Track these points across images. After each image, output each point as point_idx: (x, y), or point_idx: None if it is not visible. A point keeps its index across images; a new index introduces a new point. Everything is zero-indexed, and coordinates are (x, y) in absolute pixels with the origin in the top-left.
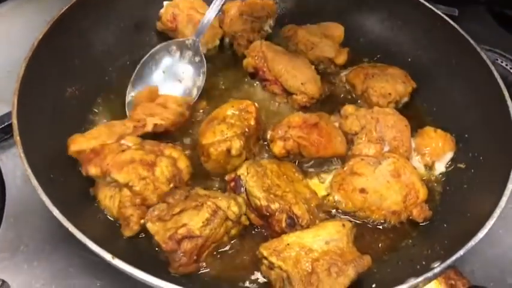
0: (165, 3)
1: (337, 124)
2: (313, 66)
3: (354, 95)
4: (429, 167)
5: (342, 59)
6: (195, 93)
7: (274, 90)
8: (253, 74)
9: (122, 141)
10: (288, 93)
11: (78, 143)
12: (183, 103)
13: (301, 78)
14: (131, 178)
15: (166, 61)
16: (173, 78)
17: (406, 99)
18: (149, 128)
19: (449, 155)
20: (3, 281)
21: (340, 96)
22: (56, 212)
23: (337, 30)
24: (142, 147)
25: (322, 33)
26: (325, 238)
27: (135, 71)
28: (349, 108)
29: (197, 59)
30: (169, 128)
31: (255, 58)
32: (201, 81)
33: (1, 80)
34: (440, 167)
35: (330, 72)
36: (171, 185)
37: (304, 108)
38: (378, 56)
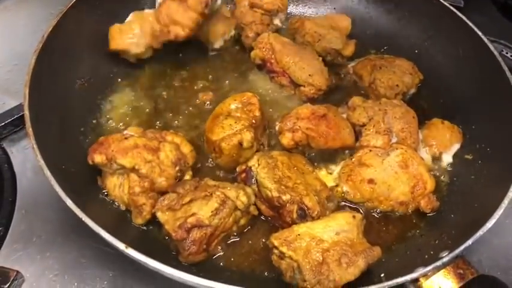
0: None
1: (344, 115)
2: (320, 58)
3: (361, 87)
4: (436, 159)
5: (349, 50)
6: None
7: (282, 82)
8: (260, 65)
9: (125, 132)
10: (295, 84)
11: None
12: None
13: (308, 70)
14: (136, 162)
15: None
16: None
17: (413, 90)
18: (172, 36)
19: (457, 146)
20: (18, 272)
21: (347, 87)
22: (69, 202)
23: (345, 21)
24: (145, 135)
25: (330, 24)
26: (336, 229)
27: None
28: (356, 100)
29: None
30: (189, 36)
31: (262, 50)
32: None
33: (8, 73)
34: (447, 158)
35: (337, 63)
36: (177, 168)
37: (311, 100)
38: (385, 47)
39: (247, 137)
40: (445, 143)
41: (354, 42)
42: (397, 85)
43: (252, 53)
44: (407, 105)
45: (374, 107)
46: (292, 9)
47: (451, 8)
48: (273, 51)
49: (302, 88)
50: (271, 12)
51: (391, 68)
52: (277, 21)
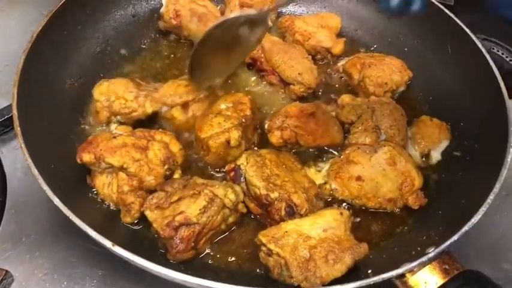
0: (163, 0)
1: (333, 113)
2: (310, 57)
3: (350, 85)
4: (425, 156)
5: (338, 48)
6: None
7: (272, 80)
8: (250, 64)
9: (114, 131)
10: (285, 83)
11: None
12: None
13: (298, 69)
14: (125, 160)
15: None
16: None
17: (402, 88)
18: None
19: (445, 143)
20: (7, 271)
21: (336, 86)
22: (57, 201)
23: (334, 20)
24: (134, 134)
25: (319, 23)
26: (323, 226)
27: None
28: (346, 98)
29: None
30: None
31: None
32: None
33: None
34: (436, 155)
35: (326, 62)
36: (166, 167)
37: (301, 98)
38: (375, 46)
39: (235, 135)
40: (433, 140)
41: (344, 41)
42: (386, 83)
43: None
44: (397, 102)
45: (362, 105)
46: (283, 9)
47: (440, 6)
48: (262, 50)
49: (292, 87)
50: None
51: (380, 66)
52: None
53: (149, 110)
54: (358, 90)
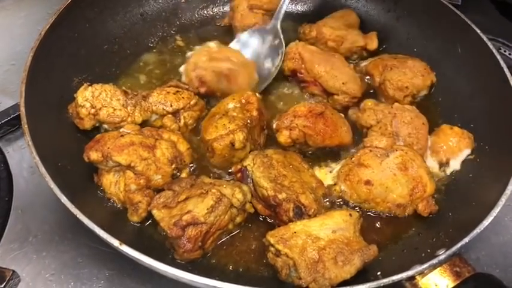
0: (181, 69)
1: (354, 116)
2: (351, 65)
3: (372, 86)
4: (443, 165)
5: (374, 44)
6: (274, 71)
7: (314, 91)
8: (289, 76)
9: (121, 129)
10: (328, 93)
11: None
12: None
13: (341, 78)
14: (132, 159)
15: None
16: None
17: (424, 92)
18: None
19: (466, 152)
20: (14, 271)
21: None
22: (64, 199)
23: (352, 16)
24: (141, 133)
25: (344, 24)
26: (332, 227)
27: None
28: (368, 103)
29: (276, 41)
30: None
31: (292, 60)
32: (279, 60)
33: (6, 73)
34: (455, 165)
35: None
36: (173, 166)
37: (346, 108)
38: (384, 45)
39: (240, 137)
40: (452, 149)
41: (375, 34)
42: (406, 87)
43: (283, 65)
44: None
45: (384, 110)
46: (289, 8)
47: (450, 6)
48: (302, 61)
49: (335, 97)
50: (271, 11)
51: (402, 68)
52: None
53: (139, 119)
54: (379, 92)
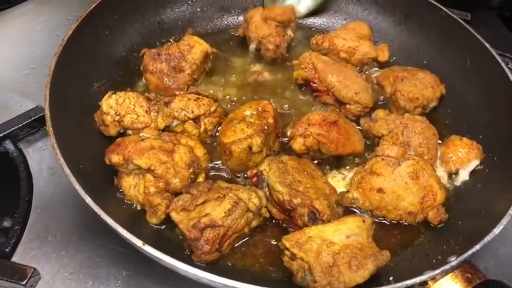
0: None
1: (366, 126)
2: (364, 76)
3: (383, 97)
4: (453, 175)
5: (385, 55)
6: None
7: (327, 100)
8: (302, 85)
9: (141, 134)
10: (340, 103)
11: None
12: None
13: (354, 88)
14: (152, 162)
15: None
16: None
17: (434, 104)
18: None
19: (475, 163)
20: (35, 269)
21: None
22: (89, 200)
23: (364, 28)
24: (161, 137)
25: (356, 35)
26: (346, 232)
27: None
28: (380, 113)
29: None
30: None
31: (305, 70)
32: None
33: (26, 76)
34: (464, 175)
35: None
36: (191, 170)
37: (358, 118)
38: (394, 58)
39: (257, 141)
40: (462, 159)
41: (387, 46)
42: (417, 98)
43: (295, 73)
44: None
45: (396, 120)
46: (302, 20)
47: (459, 20)
48: (315, 70)
49: (348, 106)
50: (284, 23)
51: (412, 80)
52: (289, 32)
53: (162, 125)
54: (390, 103)
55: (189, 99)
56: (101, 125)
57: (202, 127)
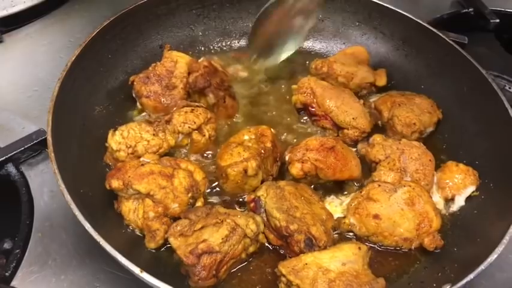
0: None
1: (363, 151)
2: (361, 101)
3: (380, 121)
4: (449, 201)
5: (382, 80)
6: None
7: (325, 125)
8: (301, 109)
9: (141, 159)
10: (338, 127)
11: None
12: None
13: (352, 113)
14: (152, 187)
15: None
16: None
17: (431, 129)
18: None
19: (471, 189)
20: None
21: None
22: (88, 226)
23: (363, 52)
24: (160, 162)
25: (354, 60)
26: (342, 259)
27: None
28: (377, 138)
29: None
30: None
31: (304, 94)
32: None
33: (29, 99)
34: (460, 201)
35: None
36: (189, 195)
37: (355, 142)
38: (392, 82)
39: (252, 165)
40: (458, 185)
41: (385, 71)
42: (414, 123)
43: (294, 98)
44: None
45: (393, 145)
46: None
47: (455, 45)
48: (314, 95)
49: (346, 131)
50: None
51: (410, 105)
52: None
53: (172, 142)
54: (387, 127)
55: (186, 112)
56: (116, 165)
57: (207, 134)
